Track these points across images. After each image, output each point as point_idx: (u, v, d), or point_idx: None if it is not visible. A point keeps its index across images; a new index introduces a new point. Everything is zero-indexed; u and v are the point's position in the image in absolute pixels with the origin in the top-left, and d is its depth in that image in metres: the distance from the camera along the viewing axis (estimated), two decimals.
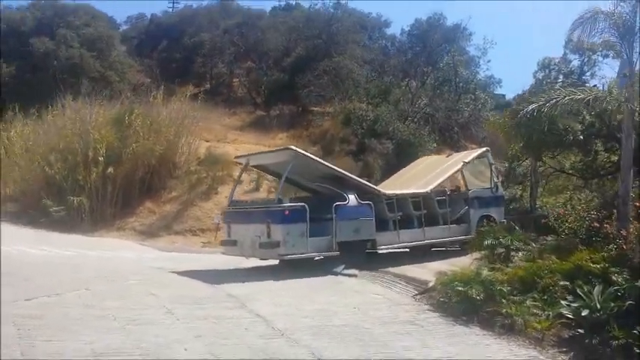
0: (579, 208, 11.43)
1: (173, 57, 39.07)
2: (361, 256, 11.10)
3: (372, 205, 11.14)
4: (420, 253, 12.08)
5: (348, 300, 8.80)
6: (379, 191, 11.77)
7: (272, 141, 27.84)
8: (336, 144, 25.34)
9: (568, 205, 14.71)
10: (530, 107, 10.56)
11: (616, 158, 14.36)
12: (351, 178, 11.59)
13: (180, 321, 7.10)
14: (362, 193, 11.29)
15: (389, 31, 37.02)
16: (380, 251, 12.02)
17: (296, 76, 30.59)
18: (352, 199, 10.96)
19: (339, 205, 10.79)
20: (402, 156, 21.81)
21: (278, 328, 7.00)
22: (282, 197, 10.90)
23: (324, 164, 11.56)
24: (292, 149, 11.13)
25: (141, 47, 43.37)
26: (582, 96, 10.30)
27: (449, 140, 26.85)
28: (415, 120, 26.48)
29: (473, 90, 28.69)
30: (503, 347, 7.21)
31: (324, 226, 10.66)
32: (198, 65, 37.57)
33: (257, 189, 21.72)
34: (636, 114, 10.86)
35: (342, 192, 10.97)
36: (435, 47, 31.51)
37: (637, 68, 11.94)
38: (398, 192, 12.07)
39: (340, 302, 8.62)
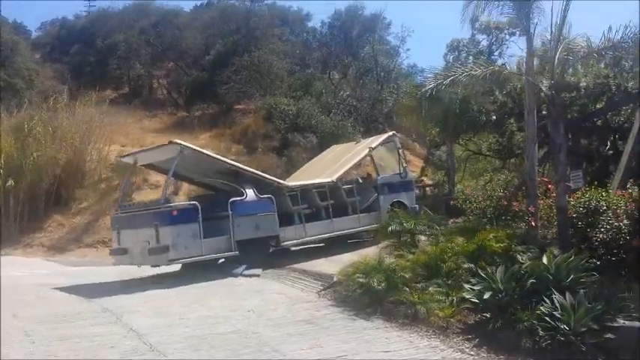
0: (487, 187, 11.14)
1: (86, 61, 37.02)
2: (265, 254, 10.39)
3: (274, 198, 10.44)
4: (336, 246, 11.51)
5: (245, 302, 8.10)
6: (280, 183, 11.09)
7: (194, 142, 26.33)
8: (259, 141, 24.48)
9: (487, 187, 14.62)
10: (428, 87, 10.10)
11: None
12: (247, 171, 10.85)
13: (36, 344, 6.17)
14: (262, 186, 10.58)
15: (311, 25, 36.50)
16: (293, 248, 11.40)
17: (216, 73, 29.51)
18: (250, 193, 10.23)
19: (235, 200, 10.03)
20: (327, 149, 21.24)
21: (150, 343, 6.21)
22: (169, 197, 10.05)
23: (215, 158, 10.78)
24: (177, 143, 10.23)
25: (53, 53, 40.99)
26: (480, 71, 9.91)
27: (374, 131, 26.42)
28: (339, 112, 25.99)
29: (395, 79, 28.56)
30: (403, 339, 6.74)
31: (221, 224, 9.88)
32: (114, 68, 35.70)
33: (176, 193, 20.58)
34: (543, 88, 10.66)
35: (238, 187, 10.21)
36: (356, 38, 31.21)
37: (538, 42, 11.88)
38: (301, 183, 11.44)
39: (234, 306, 7.92)
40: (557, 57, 9.91)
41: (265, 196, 10.41)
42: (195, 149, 10.44)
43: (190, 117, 30.08)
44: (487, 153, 17.56)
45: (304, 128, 23.85)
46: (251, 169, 11.23)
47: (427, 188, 17.24)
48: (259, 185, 10.56)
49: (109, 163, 22.20)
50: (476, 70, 10.31)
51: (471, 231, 9.17)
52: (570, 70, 11.43)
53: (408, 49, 31.56)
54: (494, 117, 15.92)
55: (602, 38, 9.85)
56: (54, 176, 20.30)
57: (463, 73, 10.35)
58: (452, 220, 10.90)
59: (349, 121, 25.13)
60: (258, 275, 9.72)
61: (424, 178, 18.47)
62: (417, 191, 16.79)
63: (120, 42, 34.66)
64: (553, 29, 10.09)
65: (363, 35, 31.26)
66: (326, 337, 6.63)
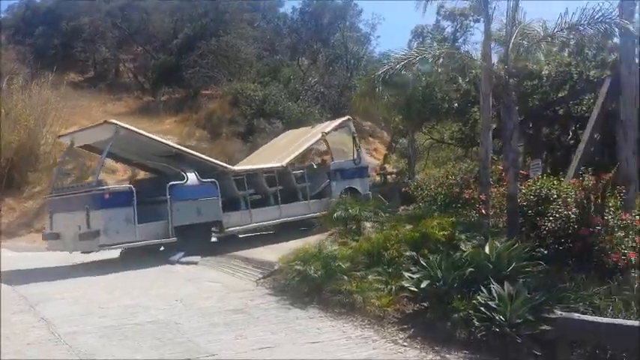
0: (439, 175, 10.86)
1: (51, 43, 35.77)
2: (207, 241, 9.96)
3: (217, 183, 9.99)
4: (286, 233, 11.14)
5: (175, 291, 7.70)
6: (226, 167, 10.63)
7: (158, 126, 26.01)
8: (224, 126, 23.98)
9: (448, 173, 14.38)
10: (381, 70, 9.72)
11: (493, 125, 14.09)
12: (190, 154, 10.37)
13: None
14: (207, 170, 10.11)
15: (282, 10, 35.77)
16: (241, 235, 10.99)
17: (183, 57, 28.79)
18: (192, 177, 9.77)
19: (174, 184, 9.56)
20: None
21: (58, 333, 5.76)
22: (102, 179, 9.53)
23: (154, 140, 10.21)
24: (113, 123, 9.65)
25: (17, 34, 39.54)
26: (432, 54, 9.56)
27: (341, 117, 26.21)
28: (306, 98, 25.55)
29: (364, 67, 28.12)
30: (336, 329, 6.42)
31: (160, 209, 9.41)
32: (79, 51, 34.56)
33: (134, 178, 19.98)
34: (502, 73, 10.34)
35: (179, 170, 9.73)
36: (327, 25, 30.66)
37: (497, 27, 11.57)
38: (248, 167, 11.01)
39: (163, 294, 7.50)
40: (512, 41, 9.58)
41: (208, 180, 9.95)
42: (131, 130, 9.85)
43: (156, 101, 29.35)
44: (450, 141, 17.32)
45: (270, 114, 23.42)
46: (193, 152, 10.74)
47: (388, 176, 16.97)
48: (204, 169, 10.09)
49: (64, 146, 21.43)
50: (429, 53, 9.99)
51: (419, 218, 8.86)
52: (526, 54, 11.10)
53: (378, 37, 31.31)
54: (457, 105, 15.68)
55: (559, 21, 9.56)
56: (6, 159, 19.54)
57: (417, 56, 10.02)
58: (403, 208, 10.59)
59: (317, 107, 24.73)
60: (196, 263, 9.28)
61: (387, 166, 18.20)
62: (379, 178, 16.57)
63: (85, 24, 33.54)
64: (509, 12, 9.81)
65: (334, 22, 30.70)
66: (254, 328, 6.28)
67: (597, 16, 8.78)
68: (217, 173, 10.26)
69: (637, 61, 11.00)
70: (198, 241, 9.70)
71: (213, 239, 10.52)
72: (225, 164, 10.94)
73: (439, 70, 16.09)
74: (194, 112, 27.72)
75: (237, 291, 7.78)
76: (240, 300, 7.32)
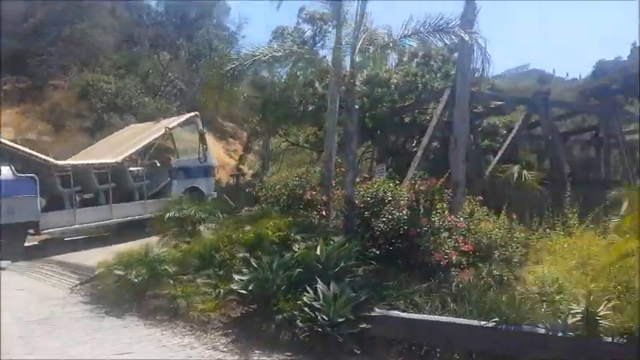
0: (284, 176, 10.74)
1: None
2: (19, 244, 8.86)
3: (37, 179, 8.93)
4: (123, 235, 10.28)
5: None
6: (48, 161, 9.55)
7: None
8: (70, 119, 22.04)
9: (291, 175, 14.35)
10: (230, 66, 9.36)
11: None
12: (5, 145, 9.15)
13: None
14: (28, 164, 9.00)
15: (147, 2, 33.86)
16: (67, 238, 9.97)
17: (32, 45, 26.04)
18: (5, 172, 8.62)
19: None
20: None
21: None
22: None
23: None
24: None
25: None
26: (282, 53, 9.42)
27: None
28: (164, 95, 24.36)
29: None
30: (153, 338, 5.96)
31: None
32: None
33: None
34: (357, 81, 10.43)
35: None
36: (193, 21, 29.54)
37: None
38: (75, 162, 10.01)
39: None
40: (358, 47, 9.71)
41: (25, 175, 8.84)
42: None
43: None
44: (305, 145, 17.40)
45: (123, 109, 21.97)
46: (9, 144, 9.49)
47: (242, 177, 16.64)
48: (26, 164, 8.94)
49: None
50: (278, 52, 9.83)
51: (258, 219, 8.63)
52: (373, 60, 11.38)
53: (244, 37, 30.74)
54: (311, 108, 15.77)
55: (402, 27, 9.83)
56: None
57: (266, 55, 9.81)
58: (246, 209, 10.29)
59: (175, 105, 23.68)
60: (3, 268, 8.19)
61: (242, 167, 17.89)
62: (232, 180, 16.17)
63: None
64: (357, 18, 9.93)
65: (200, 19, 29.66)
66: (55, 340, 5.61)
67: (440, 24, 9.15)
68: (39, 167, 9.14)
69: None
70: (9, 243, 8.56)
71: (34, 242, 9.40)
72: (47, 158, 9.77)
73: (297, 73, 16.20)
74: (37, 103, 25.27)
75: (47, 299, 6.99)
76: (48, 309, 6.56)
